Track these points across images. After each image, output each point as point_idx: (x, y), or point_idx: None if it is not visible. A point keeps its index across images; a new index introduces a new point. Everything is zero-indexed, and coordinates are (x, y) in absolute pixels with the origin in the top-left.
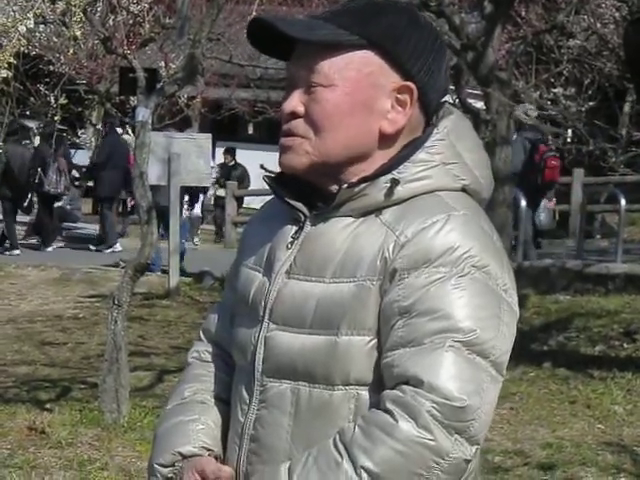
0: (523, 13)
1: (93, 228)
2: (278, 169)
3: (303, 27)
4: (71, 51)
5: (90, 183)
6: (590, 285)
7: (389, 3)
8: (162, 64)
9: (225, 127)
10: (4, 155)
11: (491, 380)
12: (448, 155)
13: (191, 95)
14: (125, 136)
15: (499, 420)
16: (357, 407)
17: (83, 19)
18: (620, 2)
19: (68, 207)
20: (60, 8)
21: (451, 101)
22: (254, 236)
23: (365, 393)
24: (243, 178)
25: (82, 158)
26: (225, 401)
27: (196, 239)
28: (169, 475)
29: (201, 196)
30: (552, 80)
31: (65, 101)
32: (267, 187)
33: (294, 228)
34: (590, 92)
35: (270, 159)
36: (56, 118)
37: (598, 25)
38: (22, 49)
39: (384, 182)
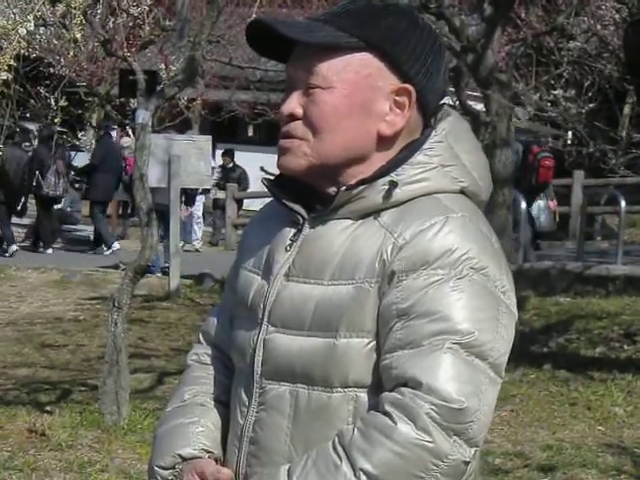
0: (523, 15)
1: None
2: (277, 171)
3: (302, 29)
4: (71, 53)
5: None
6: (590, 287)
7: (388, 5)
8: (162, 66)
9: (225, 129)
10: (0, 158)
11: (490, 382)
12: (446, 157)
13: (191, 97)
14: (125, 138)
15: (499, 422)
16: (356, 409)
17: (83, 21)
18: (620, 4)
19: (68, 209)
20: (60, 10)
21: (451, 103)
22: (253, 238)
23: (364, 395)
24: (242, 180)
25: (82, 160)
26: (224, 403)
27: (198, 243)
28: (169, 477)
29: (201, 197)
30: (552, 82)
31: (65, 103)
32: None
33: (293, 230)
34: (590, 94)
35: (270, 161)
36: (56, 120)
37: (598, 27)
38: (22, 51)
39: (382, 184)
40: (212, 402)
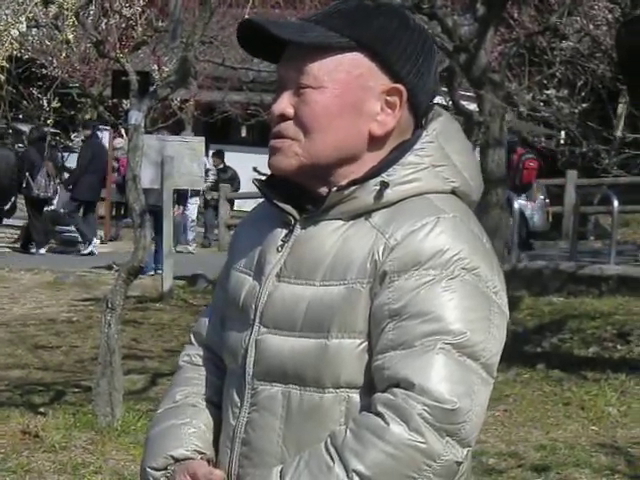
0: (516, 15)
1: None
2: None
3: (293, 29)
4: (64, 54)
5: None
6: (583, 287)
7: (379, 5)
8: (155, 67)
9: (218, 130)
10: None
11: (482, 382)
12: (437, 157)
13: (184, 98)
14: (118, 139)
15: (493, 422)
16: (348, 410)
17: (76, 22)
18: (613, 4)
19: (61, 210)
20: (53, 12)
21: (444, 103)
22: (244, 239)
23: (356, 396)
24: (233, 180)
25: (75, 161)
26: (216, 404)
27: (192, 245)
28: (161, 479)
29: (195, 200)
30: (545, 82)
31: (58, 104)
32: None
33: (284, 231)
34: (583, 94)
35: (263, 162)
36: (49, 122)
37: (591, 27)
38: (15, 53)
39: (373, 185)
40: (204, 403)
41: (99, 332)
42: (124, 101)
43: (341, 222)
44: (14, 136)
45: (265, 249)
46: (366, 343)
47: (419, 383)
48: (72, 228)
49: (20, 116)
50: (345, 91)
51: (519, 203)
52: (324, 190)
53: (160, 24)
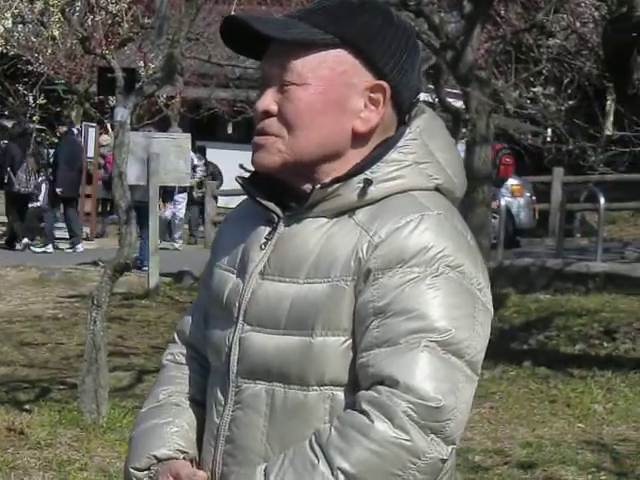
0: (502, 12)
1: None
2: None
3: (277, 26)
4: (49, 51)
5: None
6: (570, 284)
7: (364, 2)
8: (141, 64)
9: (204, 127)
10: None
11: (466, 380)
12: (421, 154)
13: (170, 95)
14: (104, 136)
15: (479, 419)
16: (332, 408)
17: (61, 19)
18: (599, 1)
19: (47, 207)
20: (38, 8)
21: (430, 100)
22: (228, 236)
23: (340, 394)
24: (215, 176)
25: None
26: (200, 403)
27: (178, 242)
28: (145, 479)
29: (184, 197)
30: (532, 79)
31: (44, 101)
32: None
33: (267, 229)
34: (569, 91)
35: (249, 159)
36: (35, 118)
37: (577, 24)
38: (0, 49)
39: (357, 182)
40: (187, 402)
41: (85, 329)
42: (110, 98)
43: (325, 220)
44: None
45: (248, 247)
46: (350, 341)
47: (404, 381)
48: (57, 225)
49: (6, 112)
50: (329, 88)
51: (505, 200)
52: (308, 187)
53: (146, 21)
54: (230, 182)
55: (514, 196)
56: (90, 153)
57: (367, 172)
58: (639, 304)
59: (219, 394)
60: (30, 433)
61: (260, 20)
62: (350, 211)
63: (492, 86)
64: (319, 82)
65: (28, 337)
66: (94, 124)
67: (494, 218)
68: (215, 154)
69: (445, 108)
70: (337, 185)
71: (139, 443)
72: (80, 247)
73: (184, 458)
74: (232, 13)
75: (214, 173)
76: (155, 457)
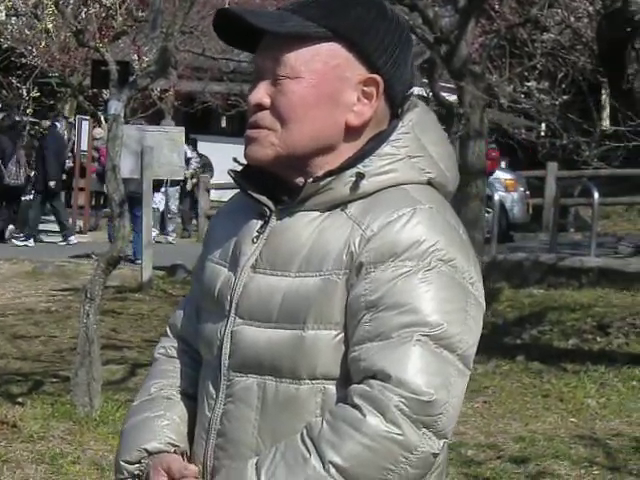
0: (497, 6)
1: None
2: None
3: (271, 19)
4: (43, 44)
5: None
6: (563, 279)
7: None
8: (135, 57)
9: (198, 120)
10: None
11: (458, 374)
12: (413, 148)
13: (164, 88)
14: (98, 129)
15: (472, 414)
16: (324, 401)
17: (55, 11)
18: None
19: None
20: (32, 0)
21: (424, 94)
22: (220, 230)
23: (332, 387)
24: (206, 169)
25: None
26: (192, 396)
27: (172, 236)
28: (135, 472)
29: (176, 190)
30: (526, 74)
31: (37, 94)
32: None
33: (259, 222)
34: (564, 86)
35: (243, 152)
36: (28, 111)
37: (572, 19)
38: None
39: (349, 176)
40: (179, 395)
41: (78, 322)
42: (104, 91)
43: (317, 213)
44: None
45: (240, 240)
46: (342, 334)
47: (395, 375)
48: (50, 218)
49: None
50: (322, 81)
51: (499, 195)
52: (300, 181)
53: (140, 14)
54: (223, 175)
55: (508, 191)
56: (84, 146)
57: (359, 166)
58: (632, 299)
59: (211, 387)
60: (23, 426)
61: (254, 13)
62: (342, 205)
63: (486, 80)
64: (312, 75)
65: (21, 330)
66: (88, 117)
67: (488, 213)
68: (209, 147)
69: (439, 102)
70: (329, 179)
71: (130, 436)
72: (73, 239)
73: (175, 452)
74: (226, 6)
75: (205, 165)
76: (146, 450)
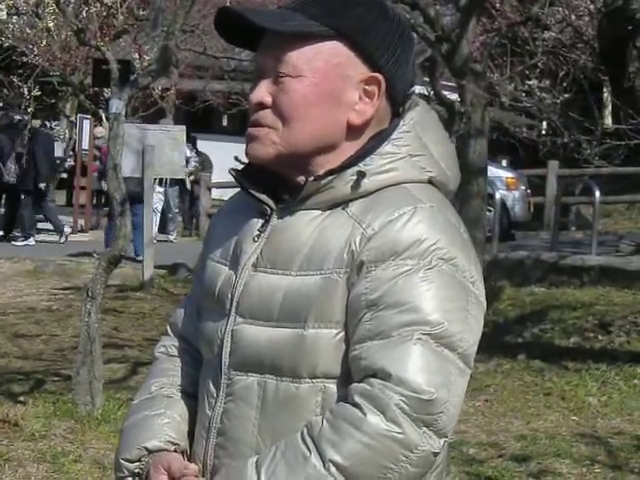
0: (498, 5)
1: (67, 220)
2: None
3: (273, 17)
4: (44, 42)
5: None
6: (565, 277)
7: None
8: (136, 56)
9: (199, 119)
10: None
11: (459, 373)
12: (414, 147)
13: (165, 87)
14: (99, 128)
15: (473, 412)
16: (324, 400)
17: (56, 10)
18: None
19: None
20: None
21: (426, 93)
22: (220, 229)
23: (332, 386)
24: (205, 166)
25: (56, 150)
26: (192, 395)
27: (173, 235)
28: (135, 470)
29: (175, 190)
30: (527, 72)
31: (38, 93)
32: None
33: (260, 221)
34: (565, 84)
35: (244, 151)
36: (29, 110)
37: (573, 17)
38: None
39: (350, 175)
40: (179, 394)
41: (79, 321)
42: (105, 90)
43: (318, 212)
44: None
45: (241, 239)
46: (343, 333)
47: (396, 373)
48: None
49: (0, 104)
50: (324, 80)
51: (500, 193)
52: (301, 179)
53: (141, 12)
54: (224, 174)
55: (509, 189)
56: (85, 145)
57: (361, 164)
58: (634, 297)
59: (211, 386)
60: (24, 425)
61: (255, 12)
62: (343, 203)
63: (487, 79)
64: (314, 74)
65: (22, 329)
66: (89, 116)
67: (489, 211)
68: (210, 146)
69: (440, 101)
70: (330, 177)
71: (130, 434)
72: (67, 229)
73: (175, 450)
74: (227, 5)
75: (204, 163)
76: (146, 449)
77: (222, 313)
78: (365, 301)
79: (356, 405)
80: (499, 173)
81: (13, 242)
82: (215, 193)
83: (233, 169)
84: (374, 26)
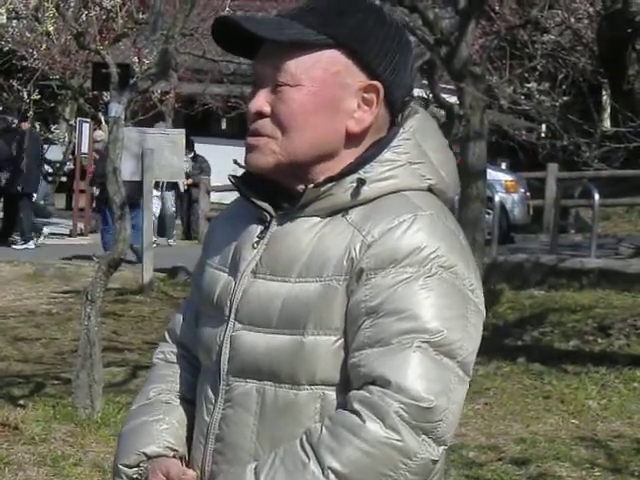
0: (497, 8)
1: (67, 223)
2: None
3: (271, 26)
4: (44, 46)
5: (63, 178)
6: (564, 280)
7: (356, 1)
8: (135, 59)
9: (198, 122)
10: None
11: (458, 381)
12: (414, 155)
13: (164, 90)
14: (98, 131)
15: (473, 415)
16: (323, 407)
17: (56, 14)
18: None
19: (41, 202)
20: (33, 3)
21: (425, 96)
22: (219, 234)
23: (331, 393)
24: (203, 170)
25: (55, 154)
26: (190, 401)
27: (172, 238)
28: (134, 476)
29: (172, 194)
30: (526, 75)
31: (38, 96)
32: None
33: (260, 228)
34: (564, 87)
35: (243, 154)
36: (29, 113)
37: (572, 20)
38: None
39: (350, 182)
40: (177, 400)
41: (79, 324)
42: (104, 93)
43: (318, 219)
44: None
45: (240, 245)
46: (342, 340)
47: (395, 381)
48: (52, 220)
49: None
50: (322, 88)
51: (500, 196)
52: (301, 187)
53: (141, 16)
54: (223, 177)
55: (508, 192)
56: (84, 149)
57: (360, 172)
58: (633, 300)
59: (209, 392)
60: (24, 428)
61: (253, 21)
62: (343, 211)
63: (486, 82)
64: (313, 83)
65: (22, 332)
66: (88, 119)
67: (488, 214)
68: (209, 149)
69: (439, 104)
70: (330, 185)
71: (128, 440)
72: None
73: (174, 456)
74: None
75: (202, 166)
76: (144, 454)
77: (221, 319)
78: (364, 308)
79: (355, 412)
80: (498, 176)
81: (13, 245)
82: (214, 196)
83: (232, 175)
84: (372, 34)
